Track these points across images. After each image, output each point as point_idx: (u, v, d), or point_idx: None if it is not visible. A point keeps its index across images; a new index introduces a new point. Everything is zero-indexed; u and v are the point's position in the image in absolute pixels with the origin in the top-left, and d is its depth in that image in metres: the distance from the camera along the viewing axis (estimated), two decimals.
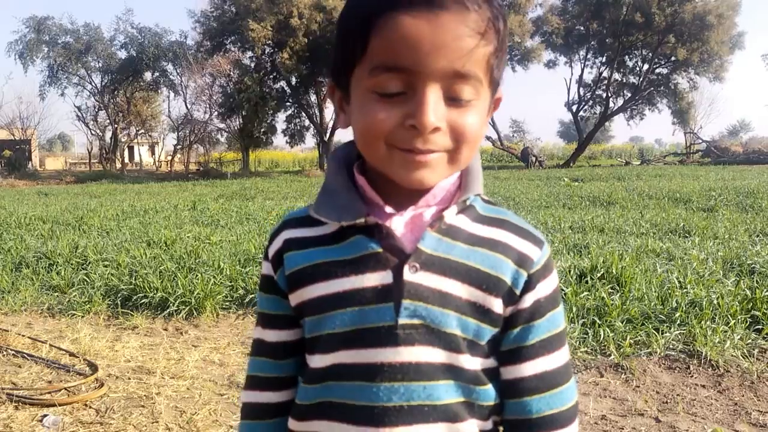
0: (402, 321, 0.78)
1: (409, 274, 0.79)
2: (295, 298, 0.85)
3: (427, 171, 0.76)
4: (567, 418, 0.84)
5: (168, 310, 4.71)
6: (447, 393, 0.79)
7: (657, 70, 38.27)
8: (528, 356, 0.83)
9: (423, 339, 0.78)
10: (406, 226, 0.82)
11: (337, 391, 0.81)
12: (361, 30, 0.74)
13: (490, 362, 0.83)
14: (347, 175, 0.86)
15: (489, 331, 0.81)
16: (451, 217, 0.82)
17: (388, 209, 0.82)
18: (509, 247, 0.83)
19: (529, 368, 0.83)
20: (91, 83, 39.86)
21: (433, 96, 0.73)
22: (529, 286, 0.82)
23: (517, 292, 0.82)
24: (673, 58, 35.48)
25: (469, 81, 0.74)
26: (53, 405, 3.13)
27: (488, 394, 0.83)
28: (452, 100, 0.74)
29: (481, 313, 0.80)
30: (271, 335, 0.92)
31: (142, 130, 43.39)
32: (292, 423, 0.88)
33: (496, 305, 0.80)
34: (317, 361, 0.83)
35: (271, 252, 0.89)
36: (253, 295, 4.87)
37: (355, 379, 0.80)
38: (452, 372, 0.80)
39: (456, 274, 0.79)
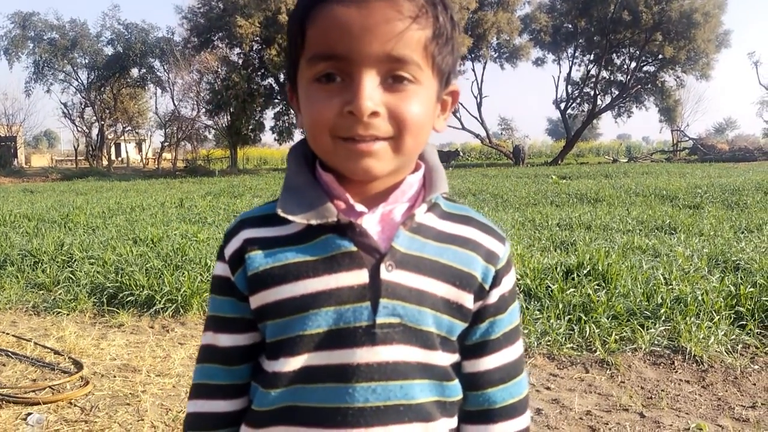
0: (380, 320, 0.78)
1: (386, 273, 0.78)
2: (258, 300, 0.82)
3: (372, 160, 0.75)
4: (524, 405, 0.90)
5: (154, 308, 4.68)
6: (422, 392, 0.80)
7: (644, 68, 38.57)
8: (493, 349, 0.87)
9: (400, 338, 0.79)
10: (377, 225, 0.82)
11: (305, 394, 0.79)
12: (300, 24, 0.77)
13: (456, 357, 0.85)
14: (310, 171, 0.84)
15: (460, 327, 0.83)
16: (421, 215, 0.83)
17: (359, 207, 0.81)
18: (478, 243, 0.85)
19: (493, 360, 0.87)
20: (77, 80, 39.53)
21: (369, 81, 0.73)
22: (496, 281, 0.85)
23: (486, 287, 0.84)
24: (660, 56, 35.75)
25: (405, 66, 0.74)
26: (38, 403, 3.10)
27: (456, 389, 0.85)
28: (390, 85, 0.75)
29: (454, 309, 0.81)
30: (225, 339, 0.87)
31: (129, 127, 43.01)
32: (245, 431, 0.85)
33: (468, 301, 0.82)
34: (282, 364, 0.80)
35: (229, 252, 0.85)
36: None
37: (328, 381, 0.78)
38: (427, 370, 0.81)
39: (430, 272, 0.80)
